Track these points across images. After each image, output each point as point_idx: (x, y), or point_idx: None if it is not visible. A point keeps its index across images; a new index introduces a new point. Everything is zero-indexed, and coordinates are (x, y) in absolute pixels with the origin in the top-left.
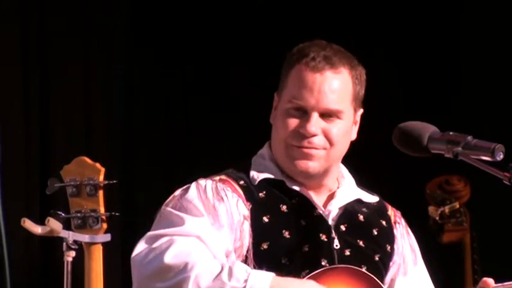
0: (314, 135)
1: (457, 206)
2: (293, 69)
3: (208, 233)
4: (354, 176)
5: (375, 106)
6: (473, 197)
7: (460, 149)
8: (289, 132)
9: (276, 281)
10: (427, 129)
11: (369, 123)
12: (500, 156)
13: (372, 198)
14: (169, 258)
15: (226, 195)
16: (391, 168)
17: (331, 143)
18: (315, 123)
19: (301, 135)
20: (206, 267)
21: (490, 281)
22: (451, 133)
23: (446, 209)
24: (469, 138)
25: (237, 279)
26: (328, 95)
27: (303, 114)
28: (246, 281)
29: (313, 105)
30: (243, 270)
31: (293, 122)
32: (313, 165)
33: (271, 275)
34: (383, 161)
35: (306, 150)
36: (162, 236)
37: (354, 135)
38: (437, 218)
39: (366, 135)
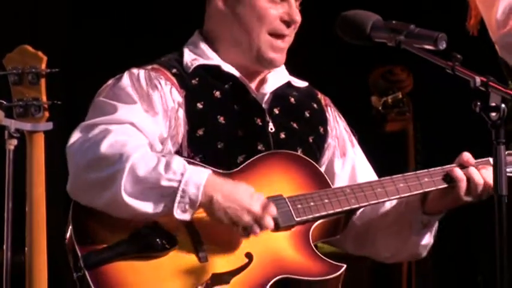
0: (297, 23)
1: (400, 95)
2: None
3: (141, 119)
4: (295, 65)
5: None
6: (416, 87)
7: (402, 37)
8: (271, 19)
9: (213, 178)
10: (370, 18)
11: (311, 12)
12: (443, 45)
13: (301, 83)
14: (104, 148)
15: (159, 83)
16: (334, 57)
17: (295, 31)
18: (296, 11)
19: (286, 23)
20: (142, 158)
21: (471, 160)
22: (393, 22)
23: (389, 98)
24: (412, 26)
25: (173, 172)
26: None
27: (281, 1)
28: (182, 174)
29: None
30: (181, 164)
31: (275, 10)
32: (281, 59)
33: (208, 171)
34: (325, 50)
35: (282, 44)
36: (96, 125)
37: None
38: (380, 108)
39: (309, 25)
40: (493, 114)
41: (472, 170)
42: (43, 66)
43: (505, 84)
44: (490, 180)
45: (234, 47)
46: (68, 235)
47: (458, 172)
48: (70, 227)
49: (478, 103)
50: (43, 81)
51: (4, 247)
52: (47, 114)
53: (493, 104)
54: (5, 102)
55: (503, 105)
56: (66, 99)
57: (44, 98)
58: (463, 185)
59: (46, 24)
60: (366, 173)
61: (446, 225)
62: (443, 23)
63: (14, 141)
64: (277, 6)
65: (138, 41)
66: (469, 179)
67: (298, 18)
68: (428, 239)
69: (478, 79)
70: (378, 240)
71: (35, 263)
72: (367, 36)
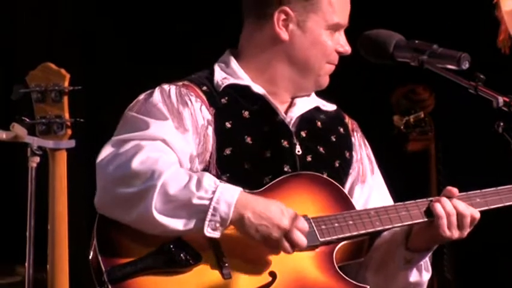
0: (349, 52)
1: (422, 115)
2: None
3: (173, 136)
4: None
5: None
6: (438, 106)
7: (425, 57)
8: (329, 52)
9: (244, 196)
10: (392, 37)
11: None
12: (466, 65)
13: (329, 107)
14: (136, 165)
15: (190, 99)
16: (356, 76)
17: None
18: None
19: (339, 53)
20: (174, 176)
21: (455, 190)
22: (416, 41)
23: (411, 118)
24: (435, 46)
25: (205, 190)
26: None
27: (334, 31)
28: (213, 192)
29: (346, 23)
30: (212, 182)
31: (331, 41)
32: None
33: (239, 189)
34: (348, 69)
35: (333, 68)
36: (128, 140)
37: None
38: (402, 127)
39: None
40: None
41: (456, 202)
42: (66, 83)
43: None
44: (475, 212)
45: (281, 72)
46: (92, 249)
47: (438, 207)
48: (94, 241)
49: (501, 123)
50: (66, 98)
51: (26, 264)
52: (69, 131)
53: None
54: (27, 120)
55: None
56: (88, 117)
57: (67, 116)
58: (443, 221)
59: (68, 40)
60: (380, 203)
61: (468, 245)
62: (467, 42)
63: (37, 159)
64: (332, 38)
65: (159, 59)
66: (450, 214)
67: (349, 49)
68: (416, 277)
69: (500, 99)
70: (368, 271)
71: (56, 280)
72: (389, 56)
